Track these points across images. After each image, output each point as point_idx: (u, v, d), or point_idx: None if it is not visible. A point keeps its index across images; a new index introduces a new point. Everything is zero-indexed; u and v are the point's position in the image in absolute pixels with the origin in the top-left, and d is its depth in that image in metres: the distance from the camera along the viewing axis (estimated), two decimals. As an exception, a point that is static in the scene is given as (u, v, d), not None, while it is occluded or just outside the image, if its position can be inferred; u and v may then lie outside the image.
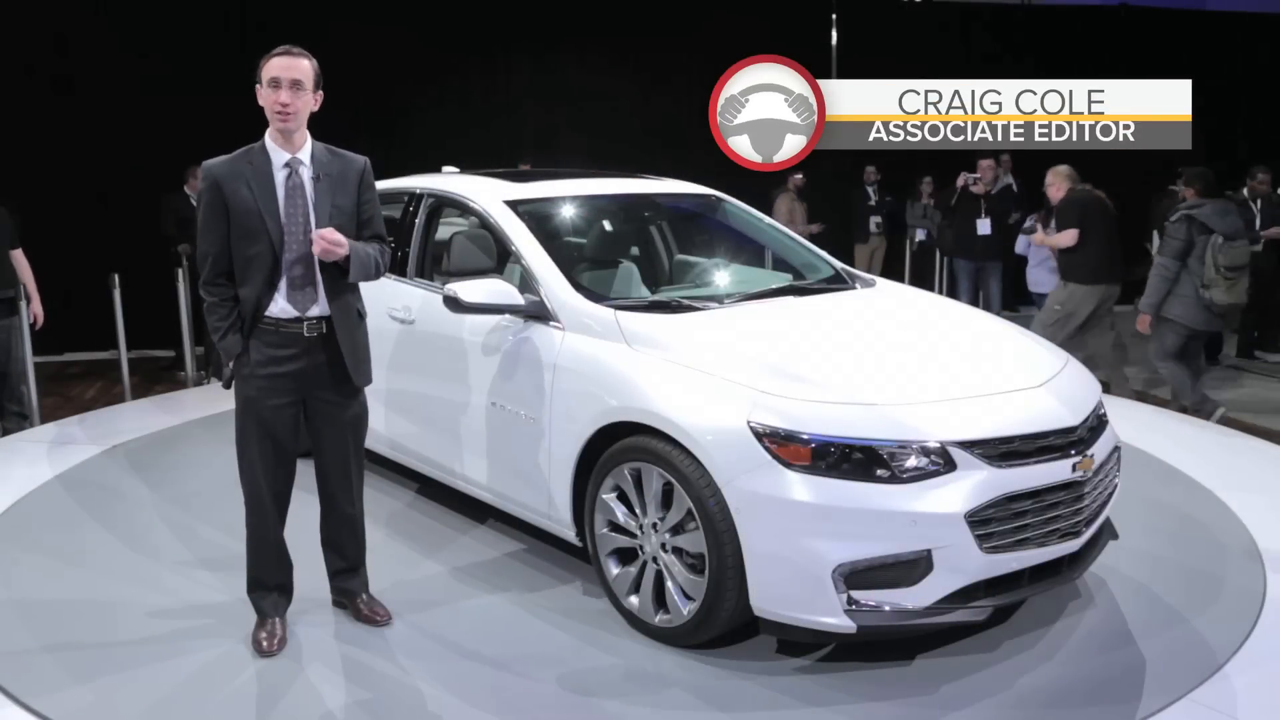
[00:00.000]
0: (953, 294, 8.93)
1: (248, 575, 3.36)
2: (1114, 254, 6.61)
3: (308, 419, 3.29)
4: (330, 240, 3.04)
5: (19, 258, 5.94)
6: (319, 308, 3.17)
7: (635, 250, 4.86)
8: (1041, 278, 7.82)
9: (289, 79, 3.04)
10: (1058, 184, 6.84)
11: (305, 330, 3.16)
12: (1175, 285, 6.03)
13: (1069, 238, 6.53)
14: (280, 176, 3.10)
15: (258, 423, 3.18)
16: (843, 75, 10.89)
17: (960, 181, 8.01)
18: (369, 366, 3.33)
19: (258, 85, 3.08)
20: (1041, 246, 7.51)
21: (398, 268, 4.41)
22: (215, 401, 6.26)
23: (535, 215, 4.17)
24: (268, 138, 3.13)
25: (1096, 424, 3.41)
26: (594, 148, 9.58)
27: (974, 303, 8.23)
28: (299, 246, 3.11)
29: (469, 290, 3.63)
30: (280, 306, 3.13)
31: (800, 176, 9.67)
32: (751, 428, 2.99)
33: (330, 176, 3.17)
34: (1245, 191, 8.21)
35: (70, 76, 8.85)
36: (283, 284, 3.12)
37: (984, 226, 7.90)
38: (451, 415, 4.05)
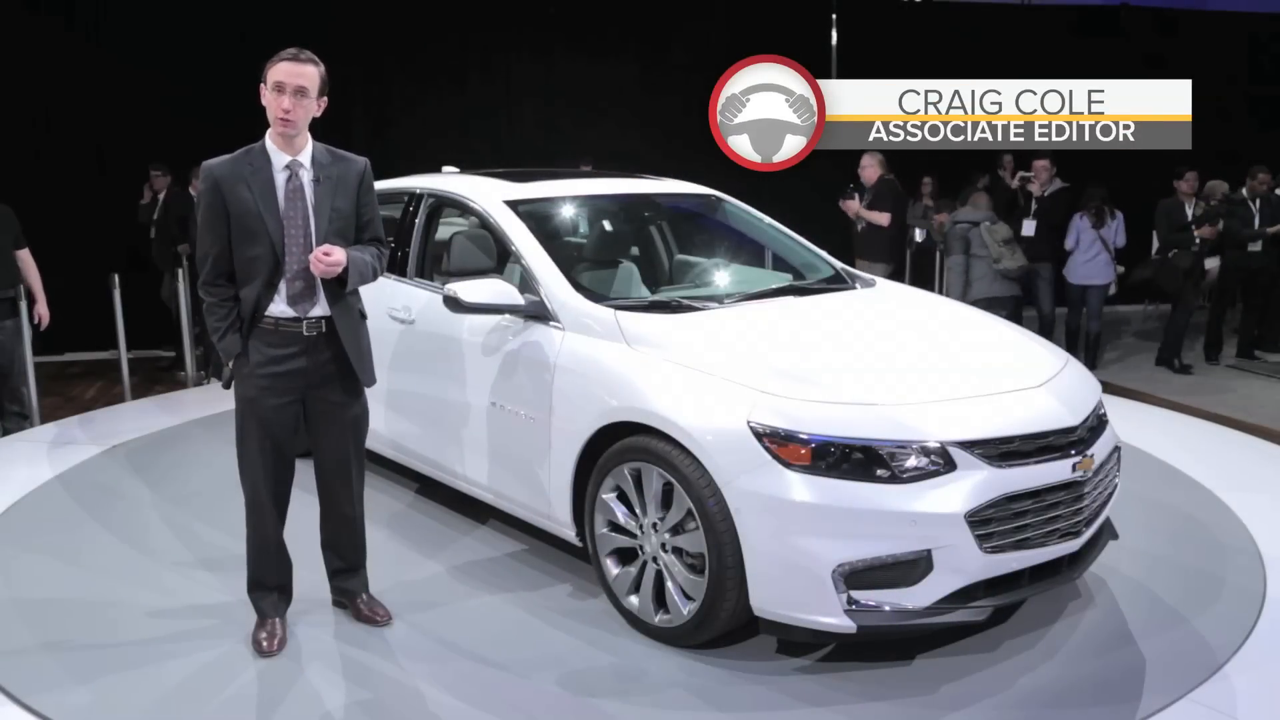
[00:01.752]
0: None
1: (248, 575, 3.36)
2: (902, 239, 8.08)
3: (308, 419, 3.29)
4: (328, 263, 3.04)
5: (25, 258, 5.93)
6: (319, 308, 3.17)
7: (635, 250, 4.85)
8: (1093, 270, 7.98)
9: (294, 85, 3.02)
10: (873, 167, 7.54)
11: (305, 329, 3.16)
12: (969, 275, 7.36)
13: (885, 219, 7.41)
14: (280, 179, 3.10)
15: (258, 423, 3.18)
16: (843, 75, 10.89)
17: (1016, 183, 7.96)
18: (372, 366, 3.33)
19: (262, 85, 3.07)
20: (1094, 242, 7.94)
21: (398, 268, 4.41)
22: (215, 401, 6.25)
23: (535, 215, 4.17)
24: (268, 139, 3.12)
25: (1096, 424, 3.41)
26: (594, 147, 9.56)
27: (1021, 303, 8.17)
28: (299, 249, 3.10)
29: (469, 290, 3.63)
30: (280, 307, 3.12)
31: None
32: (751, 428, 2.99)
33: (330, 179, 3.16)
34: (1245, 191, 8.20)
35: (70, 75, 8.84)
36: (283, 286, 3.11)
37: (1028, 228, 7.86)
38: (451, 415, 4.05)
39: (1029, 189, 7.91)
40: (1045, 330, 7.94)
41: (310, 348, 3.18)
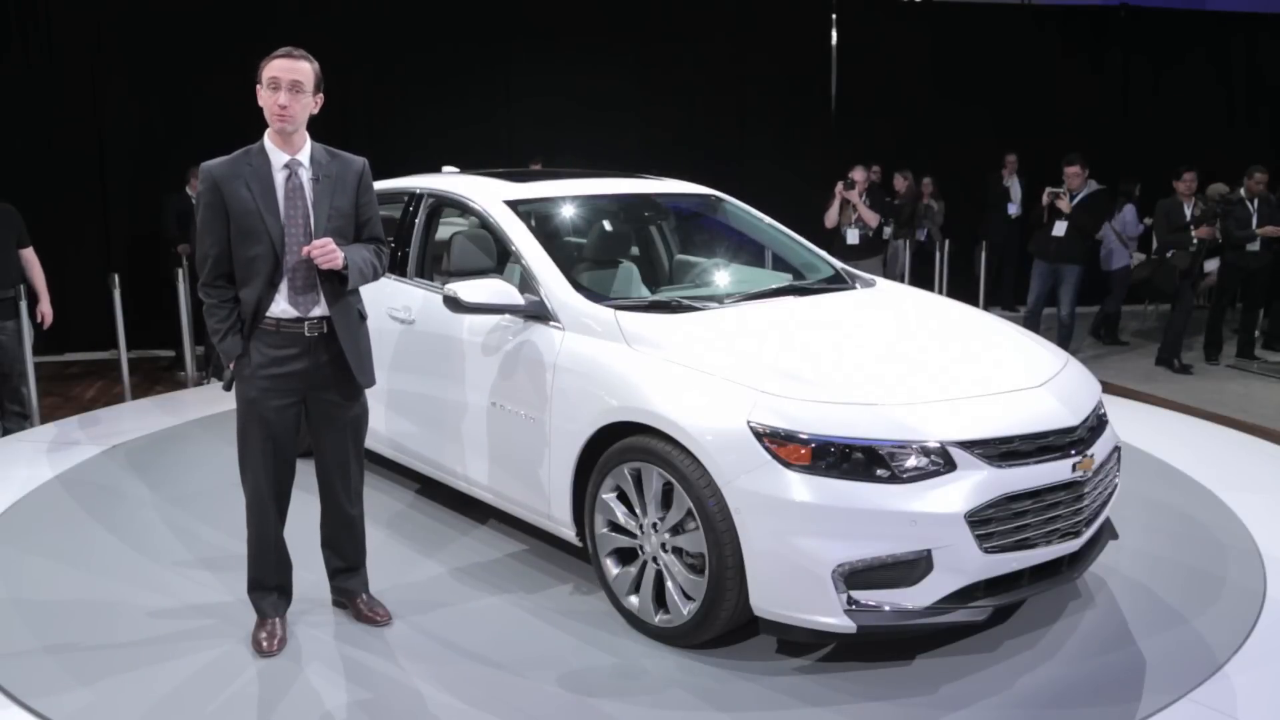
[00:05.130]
0: (1023, 292, 8.89)
1: (248, 576, 3.36)
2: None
3: (308, 419, 3.29)
4: (323, 251, 3.02)
5: (29, 256, 5.93)
6: (320, 308, 3.17)
7: (635, 250, 4.85)
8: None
9: (288, 80, 3.03)
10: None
11: (306, 330, 3.16)
12: None
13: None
14: (280, 178, 3.10)
15: (260, 423, 3.18)
16: (842, 75, 10.91)
17: (1046, 200, 7.96)
18: (372, 367, 3.33)
19: (258, 85, 3.07)
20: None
21: (398, 268, 4.41)
22: (215, 401, 6.26)
23: (535, 215, 4.18)
24: (267, 139, 3.12)
25: (1096, 424, 3.41)
26: (594, 148, 9.57)
27: (1043, 303, 8.13)
28: (299, 248, 3.10)
29: (469, 290, 3.63)
30: (281, 307, 3.12)
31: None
32: (751, 428, 2.99)
33: (329, 178, 3.17)
34: (1243, 190, 8.20)
35: (70, 75, 8.84)
36: (284, 285, 3.11)
37: (1059, 229, 7.85)
38: (452, 415, 4.05)
39: (1058, 205, 7.84)
40: (1064, 334, 7.93)
41: (311, 348, 3.18)
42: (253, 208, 3.06)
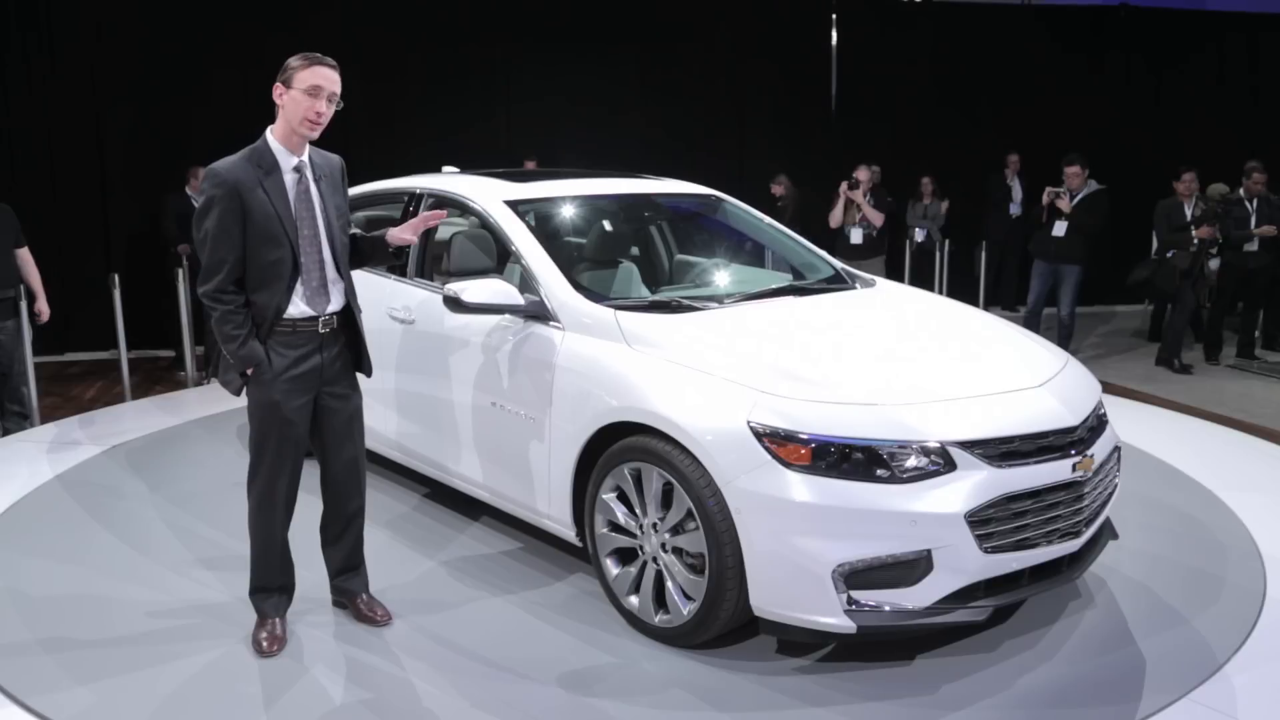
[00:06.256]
0: (1023, 292, 8.86)
1: (251, 578, 3.35)
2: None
3: (317, 416, 3.29)
4: (426, 217, 3.34)
5: (25, 256, 5.94)
6: (334, 304, 3.21)
7: (635, 250, 4.86)
8: None
9: (329, 91, 3.08)
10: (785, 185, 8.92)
11: (320, 327, 3.19)
12: None
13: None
14: (290, 180, 3.12)
15: (283, 425, 3.17)
16: (842, 75, 10.91)
17: (1046, 199, 7.97)
18: None
19: (281, 85, 3.06)
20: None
21: (398, 268, 4.42)
22: (215, 401, 6.26)
23: (535, 215, 4.18)
24: (273, 139, 3.11)
25: (1096, 424, 3.41)
26: (593, 148, 9.57)
27: (1043, 303, 8.13)
28: (313, 249, 3.13)
29: (469, 290, 3.63)
30: (299, 308, 3.14)
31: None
32: (751, 428, 2.99)
33: (326, 177, 3.23)
34: (1241, 190, 8.20)
35: (69, 75, 8.83)
36: (299, 286, 3.13)
37: (1059, 229, 7.86)
38: (451, 415, 4.05)
39: (1058, 205, 7.85)
40: (1064, 334, 7.92)
41: (323, 344, 3.22)
42: (272, 212, 3.06)
